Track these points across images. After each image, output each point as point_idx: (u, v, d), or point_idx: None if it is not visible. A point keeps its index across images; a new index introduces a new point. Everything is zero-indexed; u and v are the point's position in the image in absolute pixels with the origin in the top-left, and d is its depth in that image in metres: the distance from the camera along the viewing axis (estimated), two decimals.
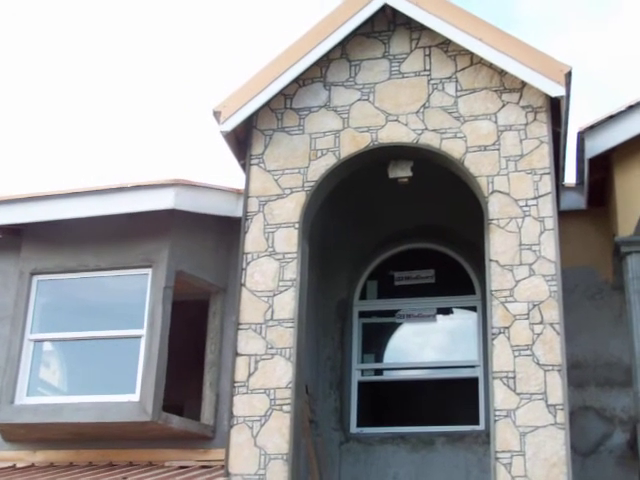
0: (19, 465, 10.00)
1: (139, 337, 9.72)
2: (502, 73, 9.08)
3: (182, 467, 9.53)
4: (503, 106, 9.04)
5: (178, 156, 32.47)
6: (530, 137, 8.86)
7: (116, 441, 9.84)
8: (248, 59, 32.32)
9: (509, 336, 8.24)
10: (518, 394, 8.04)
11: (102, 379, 10.03)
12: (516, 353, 8.17)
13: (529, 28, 32.00)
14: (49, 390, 10.49)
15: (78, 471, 9.41)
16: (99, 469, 9.49)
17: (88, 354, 10.24)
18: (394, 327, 11.38)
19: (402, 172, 9.31)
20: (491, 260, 8.53)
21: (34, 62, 33.94)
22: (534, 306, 8.28)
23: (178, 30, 33.39)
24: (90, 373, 10.23)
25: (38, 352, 10.24)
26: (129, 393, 9.53)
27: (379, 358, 11.43)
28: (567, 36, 33.24)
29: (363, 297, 11.18)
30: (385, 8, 9.49)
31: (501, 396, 8.08)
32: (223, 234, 10.35)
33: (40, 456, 10.08)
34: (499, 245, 8.55)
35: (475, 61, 9.23)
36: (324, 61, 9.58)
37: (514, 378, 8.09)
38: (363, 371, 11.00)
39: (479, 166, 8.88)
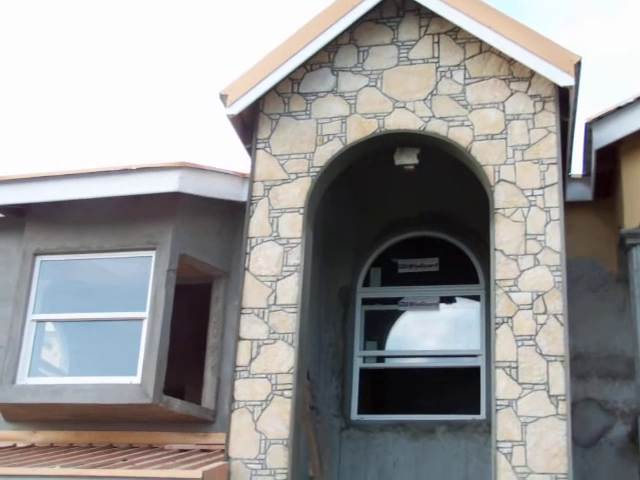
0: (19, 445, 10.01)
1: (141, 320, 9.69)
2: (511, 62, 9.03)
3: (182, 450, 9.52)
4: (511, 95, 8.98)
5: (184, 139, 32.44)
6: (538, 127, 8.81)
7: (116, 423, 9.84)
8: (256, 42, 32.24)
9: (512, 326, 8.21)
10: (520, 384, 8.02)
11: (103, 361, 10.01)
12: (519, 343, 8.14)
13: (538, 17, 31.90)
14: (50, 371, 10.48)
15: (78, 452, 9.42)
16: (99, 450, 9.50)
17: (90, 336, 10.22)
18: (397, 315, 11.38)
19: (408, 159, 9.27)
20: (496, 249, 8.49)
21: (43, 43, 33.90)
22: (538, 296, 8.25)
23: (187, 12, 33.31)
24: (92, 355, 10.21)
25: (40, 333, 10.22)
26: (130, 375, 9.51)
27: (381, 345, 11.42)
28: (576, 26, 33.13)
29: (366, 284, 11.17)
30: None
31: (503, 386, 8.06)
32: (227, 218, 10.32)
33: (40, 436, 10.08)
34: (504, 234, 8.52)
35: (484, 49, 9.17)
36: (332, 46, 9.53)
37: (516, 368, 8.07)
38: (365, 358, 10.99)
39: (486, 155, 8.83)
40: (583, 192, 10.31)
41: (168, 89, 35.61)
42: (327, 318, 10.90)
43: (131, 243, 9.99)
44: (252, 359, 8.68)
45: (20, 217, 10.60)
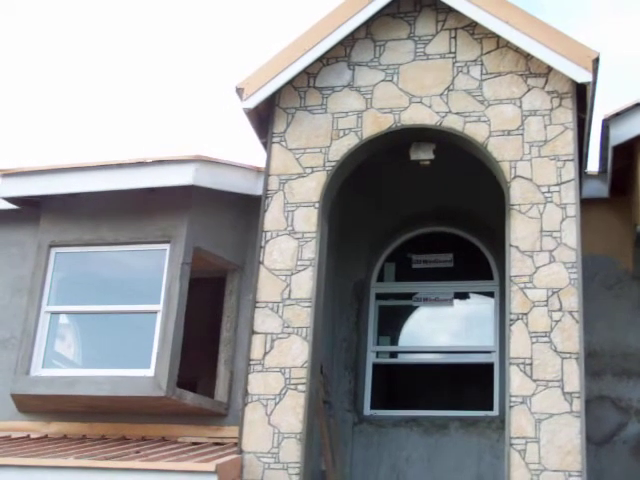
0: (33, 436, 10.05)
1: (155, 312, 9.71)
2: (528, 57, 8.99)
3: (195, 443, 9.55)
4: (528, 91, 8.95)
5: (199, 132, 32.47)
6: (555, 123, 8.77)
7: (129, 415, 9.86)
8: (273, 35, 32.21)
9: (527, 322, 8.19)
10: (534, 381, 7.99)
11: (117, 353, 10.04)
12: (534, 340, 8.12)
13: (556, 15, 31.78)
14: (64, 363, 10.51)
15: (91, 444, 9.44)
16: (112, 442, 9.52)
17: (104, 328, 10.25)
18: (410, 310, 11.35)
19: (424, 154, 9.25)
20: (511, 245, 8.47)
21: (60, 35, 33.96)
22: (553, 293, 8.22)
23: (204, 4, 33.31)
24: (105, 347, 10.24)
25: (54, 324, 10.25)
26: (144, 368, 9.53)
27: (394, 341, 11.40)
28: (593, 22, 32.98)
29: (380, 279, 11.14)
30: None
31: (517, 382, 8.03)
32: (242, 212, 10.32)
33: (54, 428, 10.12)
34: (520, 231, 8.49)
35: (501, 44, 9.13)
36: (349, 40, 9.51)
37: (531, 365, 8.05)
38: (378, 353, 10.98)
39: (502, 151, 8.80)
40: (599, 189, 10.25)
41: (184, 82, 35.63)
42: (341, 313, 10.89)
43: (146, 236, 10.00)
44: (266, 353, 8.68)
45: (35, 209, 10.63)
